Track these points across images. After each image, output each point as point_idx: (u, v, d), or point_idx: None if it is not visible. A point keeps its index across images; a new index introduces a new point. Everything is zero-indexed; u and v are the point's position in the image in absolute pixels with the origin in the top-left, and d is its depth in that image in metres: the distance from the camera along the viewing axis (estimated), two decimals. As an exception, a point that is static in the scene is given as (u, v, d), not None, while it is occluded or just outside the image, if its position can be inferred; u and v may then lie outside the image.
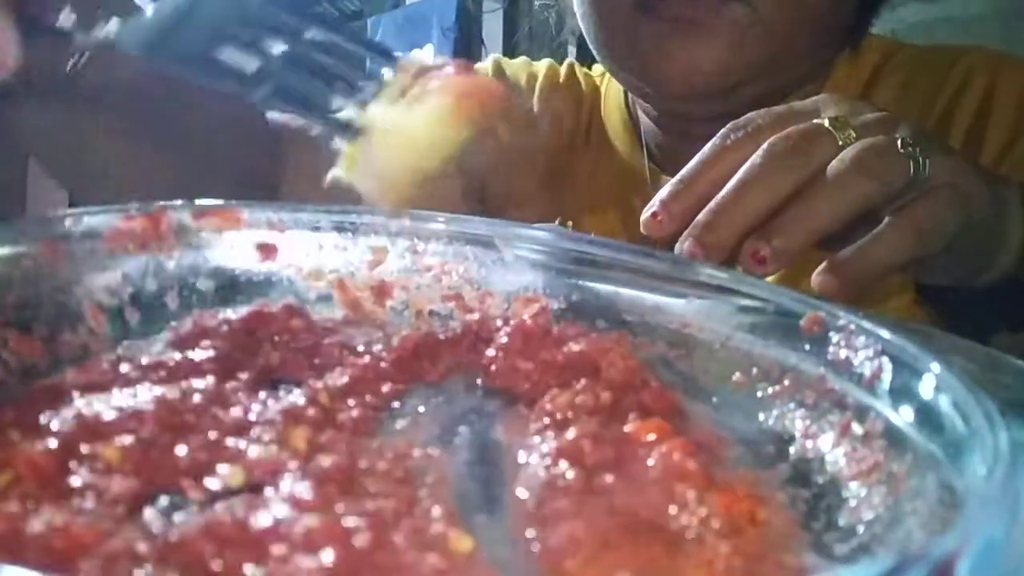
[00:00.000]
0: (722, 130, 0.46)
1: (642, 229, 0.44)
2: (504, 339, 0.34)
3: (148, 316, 0.34)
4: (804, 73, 0.69)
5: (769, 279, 0.41)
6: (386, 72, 0.36)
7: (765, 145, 0.43)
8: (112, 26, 0.36)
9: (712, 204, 0.42)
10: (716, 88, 0.65)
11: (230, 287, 0.37)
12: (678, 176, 0.45)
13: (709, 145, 0.45)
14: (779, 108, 0.48)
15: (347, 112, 0.35)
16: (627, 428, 0.28)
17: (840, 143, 0.43)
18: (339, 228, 0.38)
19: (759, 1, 0.61)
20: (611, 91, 0.82)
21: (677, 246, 0.43)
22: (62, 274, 0.32)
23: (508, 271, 0.39)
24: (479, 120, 0.34)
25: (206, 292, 0.36)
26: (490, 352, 0.34)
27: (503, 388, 0.33)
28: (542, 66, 0.86)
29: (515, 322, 0.35)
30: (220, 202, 0.37)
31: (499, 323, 0.36)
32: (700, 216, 0.42)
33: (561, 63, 0.87)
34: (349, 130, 0.36)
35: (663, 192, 0.44)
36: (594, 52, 0.73)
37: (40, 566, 0.18)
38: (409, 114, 0.34)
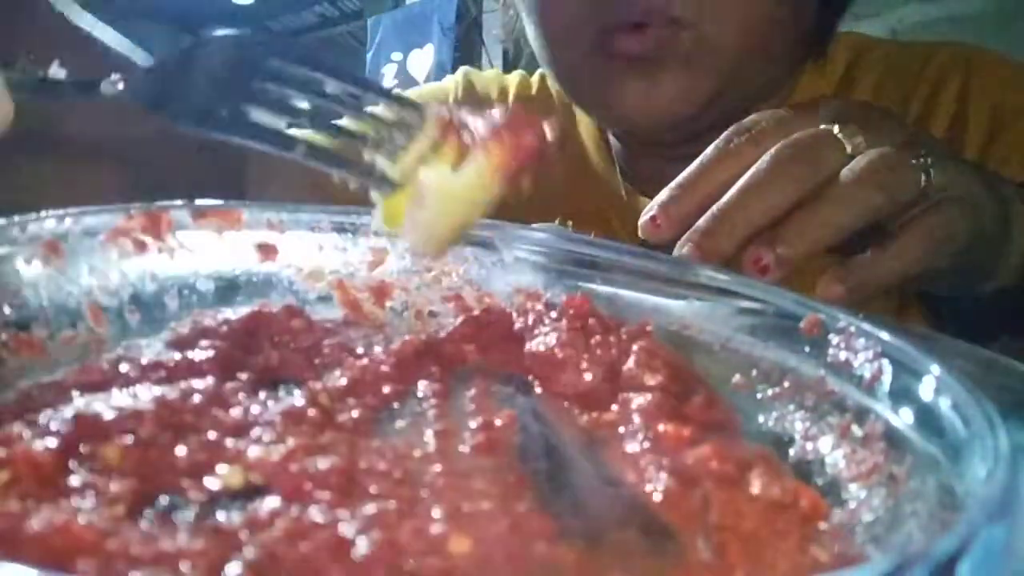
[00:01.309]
0: (725, 133, 0.45)
1: (640, 233, 0.43)
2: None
3: (148, 316, 0.34)
4: (769, 85, 0.68)
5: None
6: (411, 119, 0.36)
7: (772, 151, 0.42)
8: (114, 80, 0.36)
9: (714, 209, 0.41)
10: (677, 120, 0.64)
11: (230, 288, 0.37)
12: (678, 179, 0.44)
13: (711, 148, 0.44)
14: (783, 111, 0.47)
15: (381, 165, 0.35)
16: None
17: (849, 151, 0.43)
18: (339, 229, 0.38)
19: (707, 29, 0.60)
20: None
21: (676, 251, 0.42)
22: (62, 274, 0.32)
23: (508, 272, 0.39)
24: (519, 175, 0.35)
25: (206, 292, 0.36)
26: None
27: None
28: (514, 78, 0.87)
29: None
30: (220, 202, 0.37)
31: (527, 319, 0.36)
32: (700, 221, 0.41)
33: None
34: (386, 183, 0.35)
35: (662, 195, 0.43)
36: (559, 86, 0.73)
37: (40, 565, 0.18)
38: (451, 175, 0.34)
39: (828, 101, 0.47)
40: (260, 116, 0.35)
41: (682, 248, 0.42)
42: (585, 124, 0.81)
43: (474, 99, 0.85)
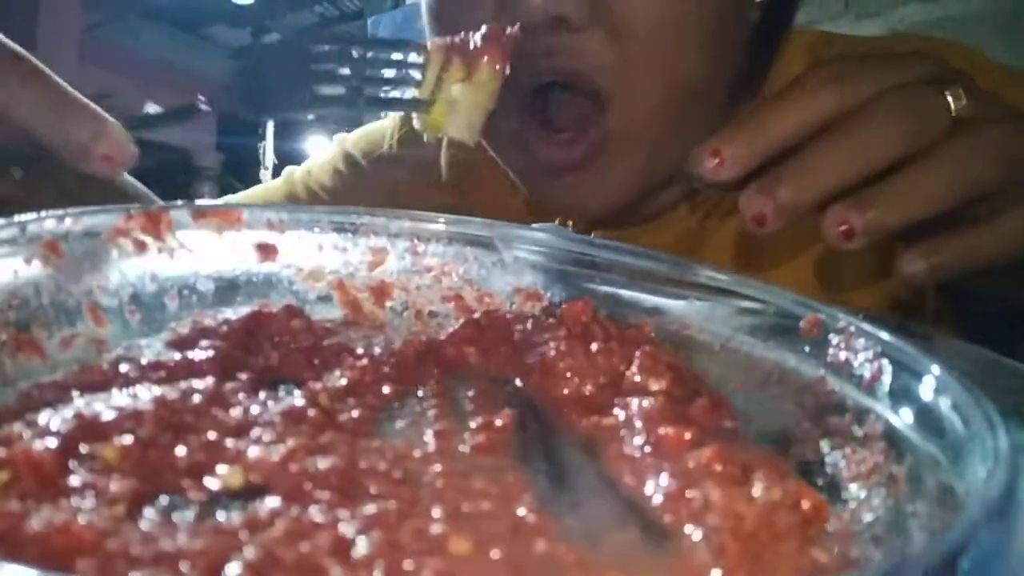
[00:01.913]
0: (809, 72, 0.39)
1: (692, 168, 0.38)
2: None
3: (148, 316, 0.34)
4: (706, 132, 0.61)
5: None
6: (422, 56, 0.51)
7: (878, 100, 0.37)
8: (202, 102, 0.47)
9: (799, 159, 0.36)
10: (612, 209, 0.59)
11: (230, 288, 0.36)
12: (747, 116, 0.38)
13: (794, 86, 0.39)
14: (878, 57, 0.40)
15: (413, 94, 0.51)
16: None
17: (954, 114, 0.38)
18: (339, 229, 0.38)
19: (633, 93, 0.53)
20: None
21: (743, 198, 0.37)
22: (62, 274, 0.32)
23: (508, 272, 0.39)
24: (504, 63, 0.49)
25: (206, 293, 0.36)
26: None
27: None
28: (387, 128, 0.83)
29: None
30: (220, 202, 0.37)
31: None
32: (789, 167, 0.36)
33: None
34: (422, 104, 0.51)
35: (727, 131, 0.38)
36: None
37: (40, 565, 0.18)
38: (466, 84, 0.50)
39: (919, 56, 0.42)
40: (324, 90, 0.48)
41: (752, 194, 0.37)
42: None
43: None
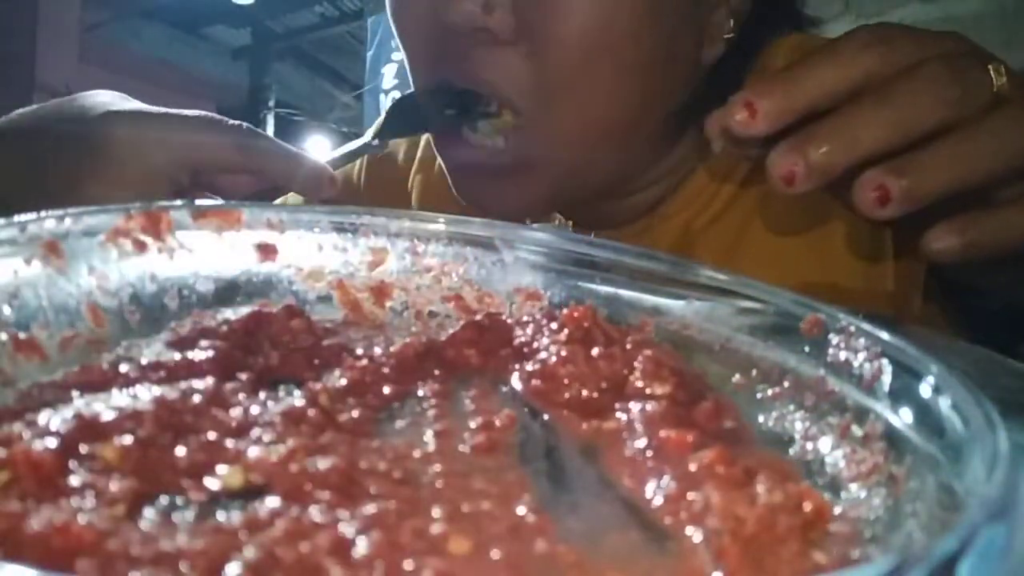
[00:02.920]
0: (849, 33, 0.38)
1: (723, 121, 0.37)
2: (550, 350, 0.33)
3: (148, 316, 0.34)
4: (648, 156, 0.61)
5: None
6: None
7: (921, 67, 0.36)
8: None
9: (836, 117, 0.35)
10: (530, 214, 0.59)
11: (230, 288, 0.37)
12: (783, 72, 0.37)
13: (834, 45, 0.37)
14: (920, 29, 0.40)
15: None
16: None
17: (995, 88, 0.37)
18: (339, 229, 0.38)
19: (546, 117, 0.53)
20: None
21: (773, 154, 0.36)
22: (62, 274, 0.32)
23: (508, 272, 0.39)
24: None
25: (206, 293, 0.36)
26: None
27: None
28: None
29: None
30: (220, 202, 0.37)
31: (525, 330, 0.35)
32: (827, 125, 0.35)
33: None
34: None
35: (760, 86, 0.37)
36: None
37: (40, 565, 0.18)
38: None
39: (957, 34, 0.41)
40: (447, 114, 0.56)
41: (784, 150, 0.36)
42: None
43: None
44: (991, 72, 0.38)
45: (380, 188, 0.79)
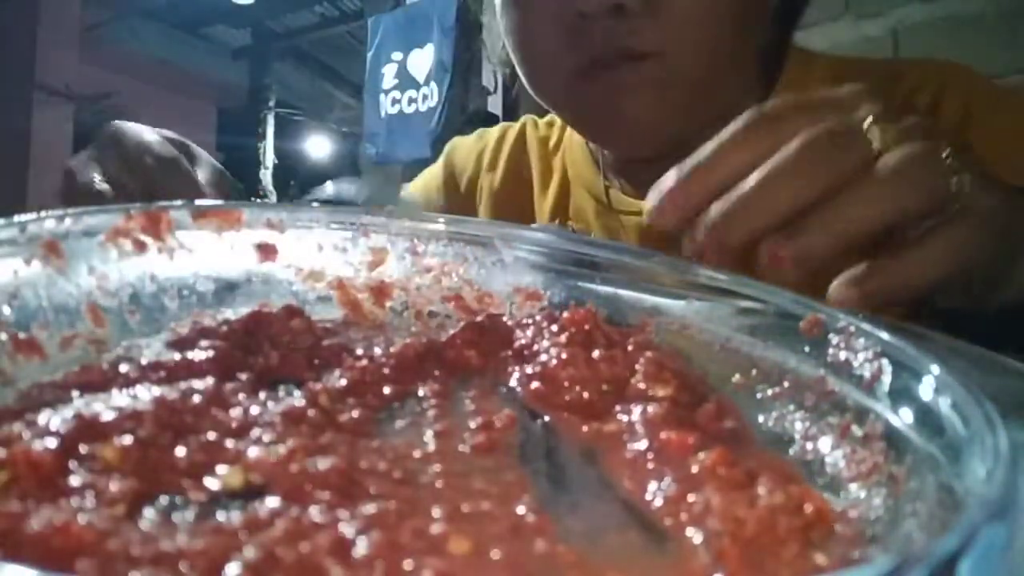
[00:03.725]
0: (744, 116, 0.42)
1: (645, 218, 0.41)
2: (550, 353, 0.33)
3: (148, 316, 0.34)
4: (731, 100, 0.69)
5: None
6: None
7: (801, 138, 0.39)
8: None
9: (732, 196, 0.39)
10: (653, 134, 0.69)
11: (230, 288, 0.37)
12: (687, 162, 0.41)
13: (728, 131, 0.41)
14: (811, 96, 0.44)
15: None
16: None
17: (877, 146, 0.40)
18: (339, 229, 0.38)
19: (672, 60, 0.64)
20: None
21: (685, 242, 0.40)
22: (62, 274, 0.32)
23: (508, 272, 0.39)
24: None
25: (206, 293, 0.36)
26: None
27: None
28: (496, 132, 0.94)
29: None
30: (220, 202, 0.37)
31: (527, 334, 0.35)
32: (716, 207, 0.39)
33: None
34: None
35: (669, 178, 0.40)
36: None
37: (40, 565, 0.18)
38: None
39: (862, 92, 0.44)
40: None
41: (692, 240, 0.39)
42: (576, 147, 0.86)
43: (455, 173, 0.95)
44: (876, 130, 0.41)
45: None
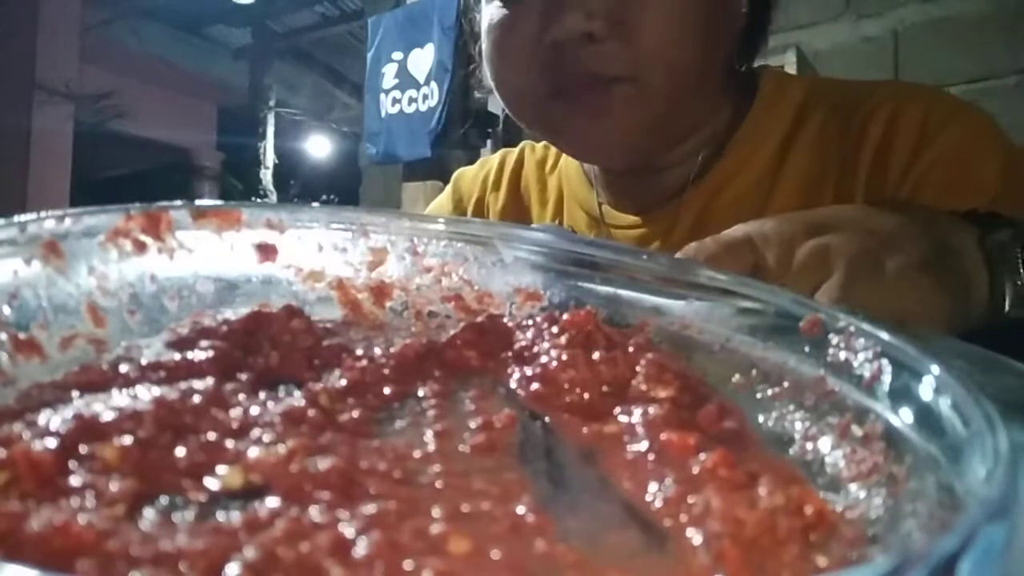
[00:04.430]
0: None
1: None
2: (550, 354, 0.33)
3: (148, 317, 0.34)
4: (703, 112, 0.76)
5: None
6: None
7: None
8: None
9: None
10: (627, 150, 0.73)
11: (230, 288, 0.37)
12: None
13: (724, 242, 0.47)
14: (710, 245, 0.48)
15: None
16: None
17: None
18: (339, 229, 0.38)
19: (642, 79, 0.66)
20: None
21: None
22: (62, 274, 0.32)
23: (508, 272, 0.39)
24: None
25: (206, 293, 0.36)
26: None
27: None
28: (495, 158, 0.98)
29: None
30: (219, 202, 0.37)
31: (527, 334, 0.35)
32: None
33: None
34: None
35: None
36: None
37: (40, 565, 0.18)
38: None
39: (757, 231, 0.49)
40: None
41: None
42: (571, 167, 0.90)
43: (463, 199, 0.97)
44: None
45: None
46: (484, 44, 0.74)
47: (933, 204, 0.59)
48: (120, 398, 0.26)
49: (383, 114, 3.81)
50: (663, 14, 0.66)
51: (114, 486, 0.21)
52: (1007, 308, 0.49)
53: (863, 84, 0.79)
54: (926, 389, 0.26)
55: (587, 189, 0.86)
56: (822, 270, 0.46)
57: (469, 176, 1.00)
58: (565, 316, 0.35)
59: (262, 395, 0.28)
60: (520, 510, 0.22)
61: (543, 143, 0.95)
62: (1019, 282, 0.49)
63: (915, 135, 0.69)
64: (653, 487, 0.25)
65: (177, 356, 0.30)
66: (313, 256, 0.38)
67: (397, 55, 3.80)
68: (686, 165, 0.78)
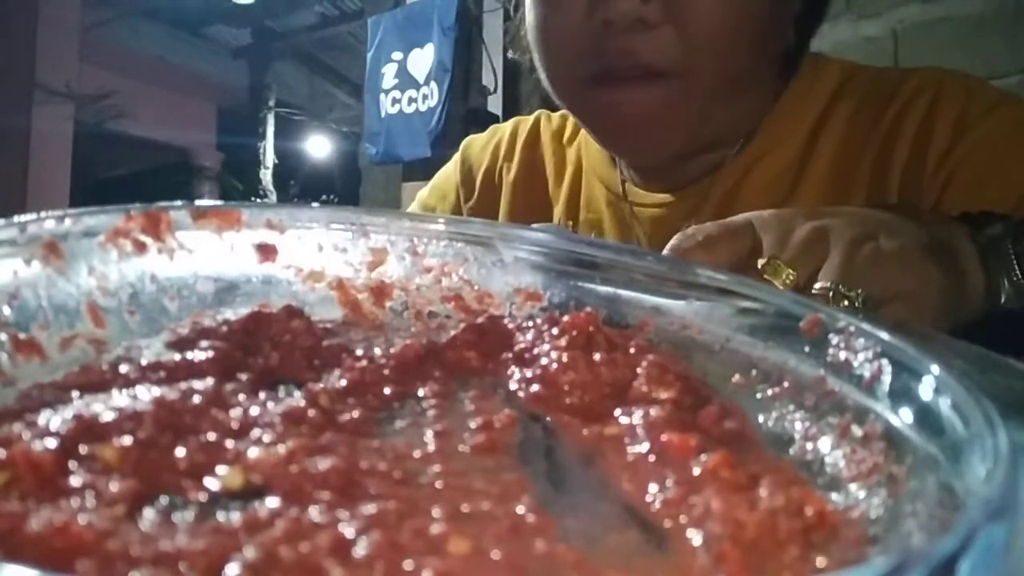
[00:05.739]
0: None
1: None
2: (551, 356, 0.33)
3: (148, 317, 0.34)
4: (748, 107, 0.75)
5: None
6: None
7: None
8: None
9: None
10: (664, 158, 0.73)
11: (230, 288, 0.36)
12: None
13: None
14: (710, 226, 0.49)
15: None
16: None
17: (780, 287, 0.45)
18: (339, 229, 0.38)
19: (690, 75, 0.65)
20: None
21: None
22: (62, 274, 0.32)
23: (508, 272, 0.39)
24: None
25: (206, 293, 0.36)
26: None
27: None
28: (508, 127, 0.96)
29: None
30: (219, 202, 0.37)
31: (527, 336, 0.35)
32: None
33: None
34: None
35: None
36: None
37: (40, 565, 0.18)
38: None
39: (758, 219, 0.49)
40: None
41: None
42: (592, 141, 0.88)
43: (472, 168, 0.96)
44: (774, 282, 0.46)
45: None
46: (533, 12, 0.71)
47: (966, 196, 0.60)
48: (120, 398, 0.26)
49: (383, 114, 3.81)
50: (719, 9, 0.64)
51: (114, 486, 0.21)
52: (1003, 301, 0.49)
53: (898, 72, 0.78)
54: (926, 389, 0.26)
55: (609, 165, 0.84)
56: (821, 249, 0.47)
57: (479, 145, 0.97)
58: (566, 317, 0.35)
59: (262, 395, 0.28)
60: (520, 510, 0.22)
61: (560, 112, 0.92)
62: (1015, 277, 0.49)
63: (952, 128, 0.68)
64: (653, 488, 0.25)
65: (177, 356, 0.30)
66: (313, 256, 0.38)
67: (397, 55, 3.80)
68: (720, 151, 0.77)
